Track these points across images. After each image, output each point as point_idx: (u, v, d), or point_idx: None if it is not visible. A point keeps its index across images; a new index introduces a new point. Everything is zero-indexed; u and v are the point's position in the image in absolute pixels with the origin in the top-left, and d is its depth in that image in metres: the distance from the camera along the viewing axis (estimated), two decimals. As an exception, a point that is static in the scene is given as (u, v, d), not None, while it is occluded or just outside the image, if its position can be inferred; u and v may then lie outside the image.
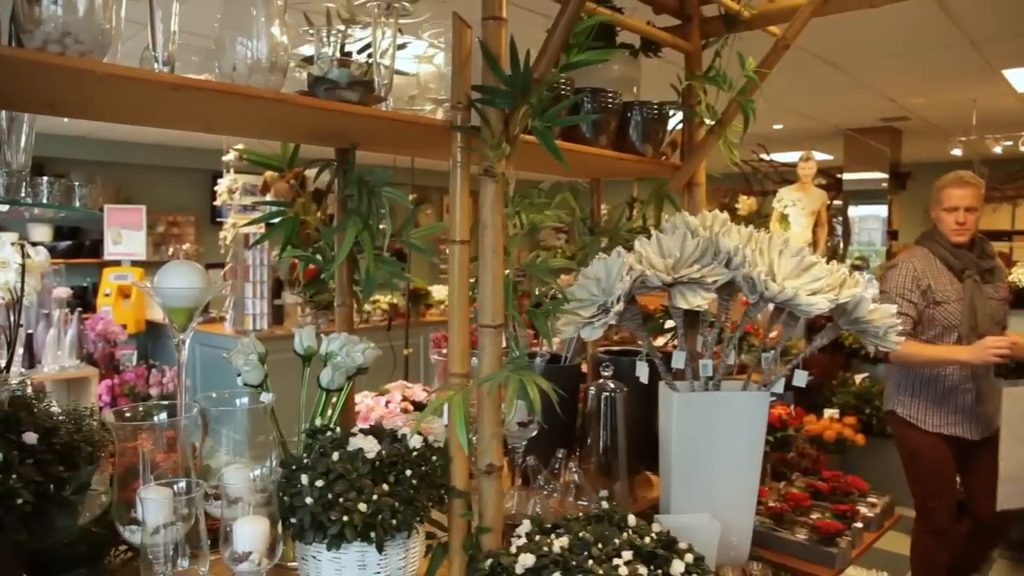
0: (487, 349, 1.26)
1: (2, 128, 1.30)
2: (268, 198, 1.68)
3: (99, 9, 0.85)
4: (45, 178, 1.35)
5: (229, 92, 0.95)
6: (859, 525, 1.96)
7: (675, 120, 1.84)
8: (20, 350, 1.97)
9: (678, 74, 1.82)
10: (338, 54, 1.37)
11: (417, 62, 1.44)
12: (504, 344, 1.65)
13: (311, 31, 1.33)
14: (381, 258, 1.42)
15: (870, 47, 4.35)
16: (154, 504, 1.00)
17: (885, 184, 6.15)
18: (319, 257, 1.51)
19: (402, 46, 1.40)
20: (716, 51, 1.75)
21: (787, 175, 5.71)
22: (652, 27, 1.75)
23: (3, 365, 1.55)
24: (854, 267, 7.44)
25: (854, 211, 6.20)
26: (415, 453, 1.22)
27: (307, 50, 1.35)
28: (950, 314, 2.72)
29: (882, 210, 6.14)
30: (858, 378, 4.46)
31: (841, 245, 5.66)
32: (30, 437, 1.02)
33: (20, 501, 0.92)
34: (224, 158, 4.50)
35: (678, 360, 1.58)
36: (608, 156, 1.56)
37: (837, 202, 5.62)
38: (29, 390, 1.22)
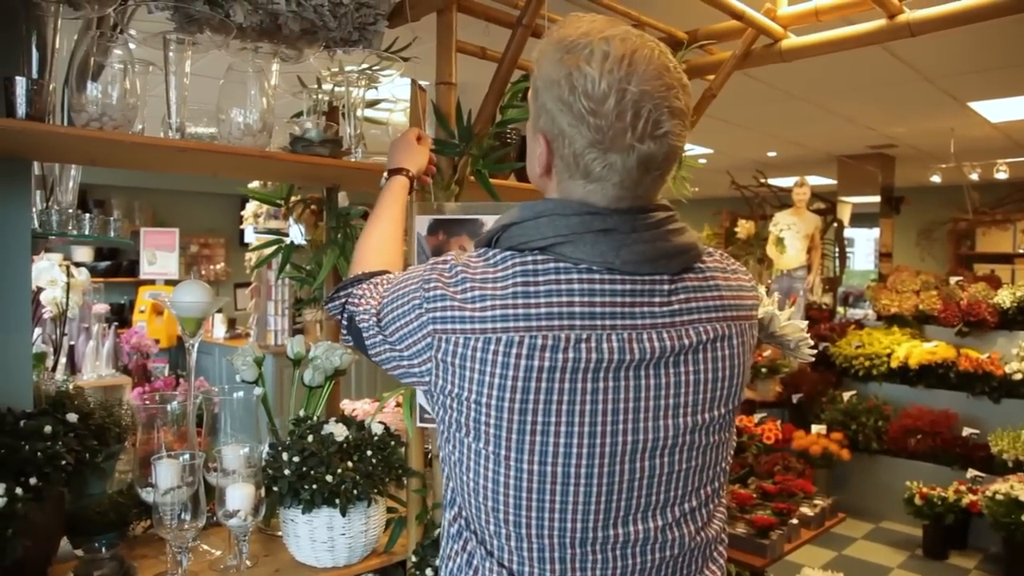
0: (438, 353, 1.52)
1: (56, 175, 1.63)
2: (291, 221, 1.89)
3: (128, 95, 1.16)
4: (87, 214, 1.67)
5: (224, 152, 1.24)
6: (794, 522, 2.17)
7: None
8: (63, 359, 2.28)
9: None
10: (325, 108, 1.68)
11: (389, 113, 1.74)
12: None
13: (302, 91, 1.64)
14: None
15: (833, 85, 4.38)
16: (164, 469, 1.28)
17: (877, 208, 6.32)
18: (311, 279, 1.81)
19: (376, 102, 1.70)
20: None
21: (785, 199, 5.92)
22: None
23: (51, 367, 1.87)
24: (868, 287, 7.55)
25: (848, 234, 6.36)
26: (375, 438, 1.49)
27: (300, 104, 1.66)
28: None
29: (875, 233, 6.26)
30: (846, 395, 4.61)
31: (838, 268, 5.83)
32: (72, 417, 1.32)
33: (63, 462, 1.21)
34: (250, 185, 4.83)
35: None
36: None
37: (835, 224, 5.81)
38: (71, 387, 1.54)
